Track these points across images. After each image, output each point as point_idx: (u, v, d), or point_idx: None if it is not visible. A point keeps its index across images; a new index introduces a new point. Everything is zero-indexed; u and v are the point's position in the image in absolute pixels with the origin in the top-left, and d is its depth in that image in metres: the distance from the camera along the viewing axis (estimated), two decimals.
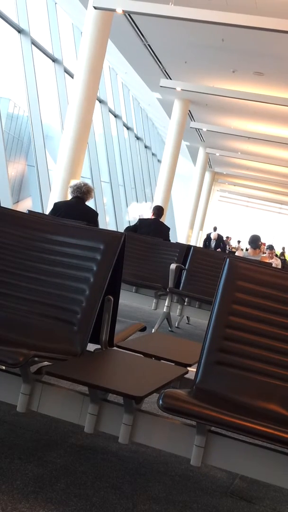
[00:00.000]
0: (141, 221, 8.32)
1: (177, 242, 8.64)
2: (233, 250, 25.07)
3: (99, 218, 6.65)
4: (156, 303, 6.06)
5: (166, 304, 5.96)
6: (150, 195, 23.55)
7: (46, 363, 2.34)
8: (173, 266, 5.96)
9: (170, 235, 8.31)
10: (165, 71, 15.33)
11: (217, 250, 16.85)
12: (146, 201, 22.87)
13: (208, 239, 19.29)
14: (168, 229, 8.39)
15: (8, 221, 2.83)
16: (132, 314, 6.73)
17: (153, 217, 8.35)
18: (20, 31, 12.31)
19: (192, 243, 24.82)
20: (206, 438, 2.11)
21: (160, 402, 1.98)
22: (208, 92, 15.10)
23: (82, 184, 6.36)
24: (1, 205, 6.95)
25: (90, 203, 6.54)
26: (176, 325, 6.80)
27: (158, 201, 16.82)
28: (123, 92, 20.75)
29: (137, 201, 22.04)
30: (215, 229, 20.53)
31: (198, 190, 27.01)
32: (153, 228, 7.98)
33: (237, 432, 1.96)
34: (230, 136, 20.56)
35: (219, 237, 19.13)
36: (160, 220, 8.43)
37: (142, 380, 2.39)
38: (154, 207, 8.71)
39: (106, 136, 18.38)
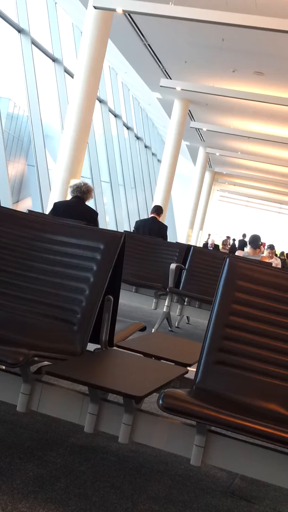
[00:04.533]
0: (138, 223, 8.56)
1: (177, 242, 8.67)
2: None
3: (99, 218, 6.65)
4: (156, 303, 6.06)
5: (166, 304, 5.96)
6: (150, 195, 23.53)
7: (46, 362, 2.34)
8: (173, 266, 5.96)
9: (170, 235, 8.39)
10: (165, 70, 15.33)
11: None
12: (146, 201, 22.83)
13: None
14: (165, 226, 8.51)
15: (8, 221, 2.83)
16: (132, 314, 6.73)
17: (151, 215, 8.55)
18: (20, 30, 12.30)
19: (192, 243, 24.81)
20: (206, 437, 2.11)
21: (160, 401, 1.98)
22: (208, 91, 15.09)
23: (82, 184, 6.35)
24: (1, 204, 6.95)
25: (90, 203, 6.54)
26: (176, 325, 6.80)
27: (158, 201, 16.83)
28: (123, 92, 20.73)
29: (137, 201, 21.99)
30: (244, 236, 19.75)
31: (198, 190, 27.00)
32: (148, 226, 8.19)
33: (237, 431, 1.96)
34: (230, 136, 20.55)
35: (241, 243, 18.24)
36: (159, 219, 8.55)
37: (142, 380, 2.39)
38: (152, 206, 8.89)
39: (106, 136, 18.37)
